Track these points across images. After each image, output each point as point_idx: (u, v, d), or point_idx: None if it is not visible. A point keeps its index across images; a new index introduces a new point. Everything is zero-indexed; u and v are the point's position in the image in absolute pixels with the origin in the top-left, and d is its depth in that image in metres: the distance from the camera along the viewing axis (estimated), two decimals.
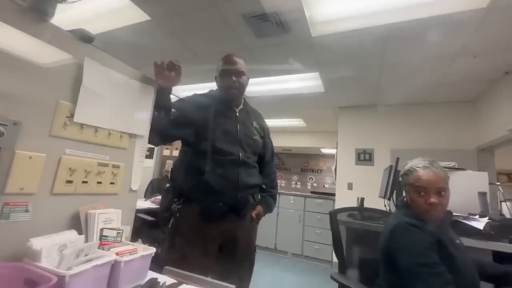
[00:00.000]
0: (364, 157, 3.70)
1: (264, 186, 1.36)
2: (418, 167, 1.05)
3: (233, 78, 1.25)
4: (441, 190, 1.00)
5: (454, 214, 1.56)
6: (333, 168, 4.39)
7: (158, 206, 2.85)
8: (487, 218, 1.55)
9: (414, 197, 1.04)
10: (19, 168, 0.65)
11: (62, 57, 0.76)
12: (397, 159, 1.86)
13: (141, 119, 0.99)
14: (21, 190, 0.66)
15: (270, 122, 5.14)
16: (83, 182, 0.80)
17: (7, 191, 0.63)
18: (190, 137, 1.22)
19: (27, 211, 0.67)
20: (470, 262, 1.02)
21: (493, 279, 1.12)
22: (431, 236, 0.97)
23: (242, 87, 1.30)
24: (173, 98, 1.19)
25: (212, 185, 1.14)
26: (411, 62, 2.50)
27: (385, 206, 2.05)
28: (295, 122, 5.09)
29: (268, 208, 1.36)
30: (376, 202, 2.15)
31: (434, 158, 2.28)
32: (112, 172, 0.89)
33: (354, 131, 3.88)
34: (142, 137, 1.00)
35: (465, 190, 1.78)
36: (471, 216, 1.54)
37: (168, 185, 1.33)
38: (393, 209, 1.97)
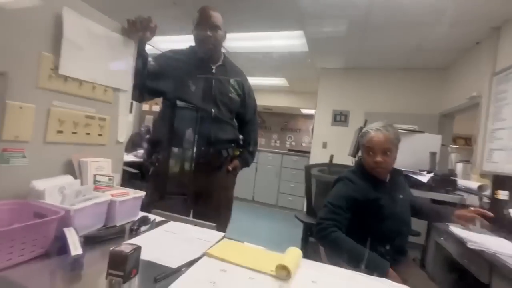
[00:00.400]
0: (340, 118, 3.89)
1: (241, 142, 1.46)
2: (371, 130, 1.16)
3: (208, 32, 1.24)
4: (387, 151, 1.12)
5: (406, 170, 1.82)
6: (310, 128, 4.60)
7: (141, 160, 2.93)
8: (433, 174, 1.82)
9: (365, 157, 1.18)
10: (12, 118, 0.69)
11: (39, 5, 0.74)
12: (365, 121, 2.03)
13: (123, 73, 1.02)
14: (16, 138, 0.71)
15: (252, 80, 5.07)
16: (73, 132, 0.86)
17: (4, 138, 0.69)
18: (167, 92, 1.26)
19: (24, 157, 0.74)
20: (402, 213, 1.17)
21: (426, 217, 1.37)
22: (360, 192, 1.12)
23: (217, 42, 1.30)
24: (151, 50, 1.19)
25: (186, 140, 1.23)
26: (393, 26, 2.53)
27: (352, 163, 2.29)
28: (278, 81, 5.08)
29: (245, 163, 1.47)
30: (347, 159, 2.38)
31: (400, 121, 2.49)
32: (99, 124, 0.95)
33: (333, 93, 3.99)
34: (125, 91, 1.04)
35: (419, 150, 2.04)
36: (420, 172, 1.80)
37: (148, 136, 1.41)
38: None
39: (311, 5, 2.28)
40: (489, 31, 2.36)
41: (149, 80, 1.18)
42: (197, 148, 1.27)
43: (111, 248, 0.48)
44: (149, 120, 5.27)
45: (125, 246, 0.51)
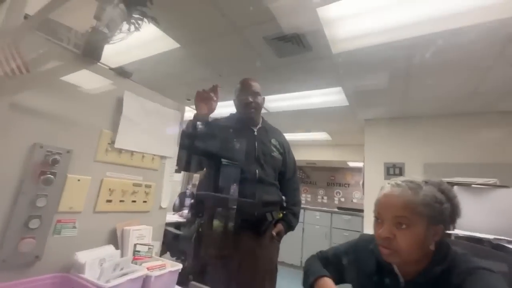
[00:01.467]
0: (394, 171, 3.53)
1: (285, 204, 1.38)
2: (387, 184, 0.76)
3: (250, 98, 1.34)
4: (401, 221, 0.67)
5: (498, 237, 1.43)
6: (361, 182, 4.23)
7: (185, 220, 2.96)
8: None
9: (374, 225, 0.77)
10: (69, 190, 0.75)
11: (105, 91, 0.88)
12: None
13: (169, 141, 1.09)
14: (70, 209, 0.76)
15: (294, 136, 5.19)
16: (120, 201, 0.89)
17: (60, 210, 0.73)
18: (212, 155, 1.31)
19: (74, 227, 0.77)
20: None
21: None
22: (361, 267, 0.81)
23: (258, 106, 1.39)
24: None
25: (230, 202, 1.20)
26: (439, 73, 2.40)
27: None
28: (320, 135, 5.04)
29: (289, 226, 1.37)
30: None
31: (473, 173, 2.12)
32: (145, 191, 0.98)
33: (382, 144, 3.73)
34: (170, 158, 1.09)
35: (509, 210, 1.63)
36: None
37: (192, 200, 1.42)
38: None
39: (347, 63, 2.35)
40: None
41: (196, 146, 1.24)
42: (241, 211, 1.22)
43: None
44: (196, 178, 5.54)
45: None
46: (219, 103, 3.97)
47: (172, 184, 1.12)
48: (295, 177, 1.50)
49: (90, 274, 0.69)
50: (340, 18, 1.82)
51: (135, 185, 0.94)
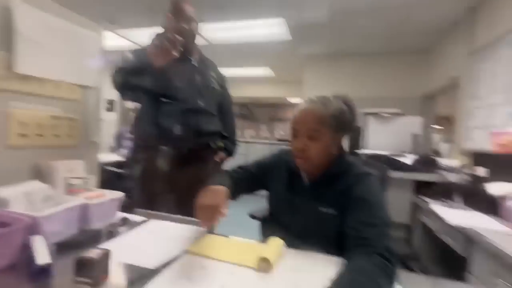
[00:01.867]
0: None
1: (224, 133, 1.44)
2: (302, 102, 0.81)
3: (184, 25, 1.21)
4: (312, 134, 0.74)
5: (391, 154, 1.84)
6: None
7: (125, 159, 2.86)
8: (416, 155, 1.86)
9: (291, 139, 0.82)
10: None
11: None
12: None
13: (89, 69, 0.96)
14: None
15: (237, 71, 5.05)
16: (38, 135, 0.81)
17: None
18: (150, 85, 1.21)
19: None
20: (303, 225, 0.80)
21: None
22: (274, 170, 0.89)
23: (192, 35, 1.28)
24: (127, 46, 1.14)
25: (174, 132, 1.20)
26: (371, 10, 2.51)
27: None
28: (263, 71, 5.02)
29: (229, 153, 1.48)
30: None
31: (385, 105, 2.51)
32: (69, 124, 0.90)
33: (318, 80, 3.98)
34: (93, 88, 0.99)
35: (402, 133, 2.07)
36: (403, 154, 1.83)
37: (131, 135, 1.35)
38: None
39: None
40: (466, 11, 2.38)
41: (131, 76, 1.12)
42: (185, 142, 1.24)
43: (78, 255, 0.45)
44: (132, 117, 5.14)
45: (93, 251, 0.49)
46: (146, 29, 3.43)
47: (107, 124, 1.04)
48: (231, 109, 1.55)
49: (16, 209, 0.66)
50: None
51: (53, 118, 0.85)
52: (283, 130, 6.44)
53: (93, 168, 1.01)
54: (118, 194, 0.88)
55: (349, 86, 3.79)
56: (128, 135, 3.52)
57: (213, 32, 3.23)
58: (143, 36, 3.31)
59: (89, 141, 0.98)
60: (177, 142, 1.22)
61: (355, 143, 2.06)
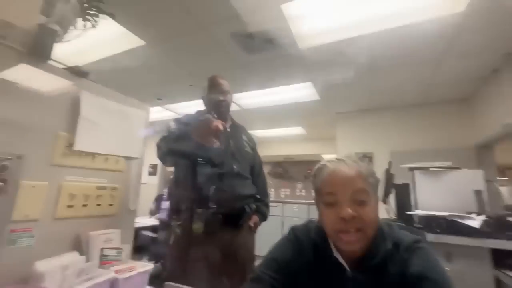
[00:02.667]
0: (365, 161, 3.71)
1: (258, 196, 1.42)
2: (327, 162, 0.66)
3: (220, 97, 1.34)
4: (360, 196, 0.60)
5: (452, 214, 1.58)
6: None
7: (164, 222, 2.90)
8: (484, 216, 1.56)
9: (324, 214, 0.64)
10: (24, 197, 0.71)
11: (59, 92, 0.84)
12: (389, 162, 1.89)
13: (135, 142, 1.06)
14: (26, 217, 0.72)
15: (269, 132, 5.25)
16: (83, 205, 0.86)
17: (14, 219, 0.69)
18: (188, 155, 1.29)
19: (31, 236, 0.73)
20: None
21: None
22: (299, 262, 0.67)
23: (228, 105, 1.40)
24: (171, 116, 1.28)
25: (210, 196, 1.20)
26: (399, 66, 2.56)
27: (389, 214, 2.04)
28: (295, 130, 5.15)
29: (263, 216, 1.43)
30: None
31: (431, 158, 2.29)
32: (111, 194, 0.95)
33: (352, 136, 3.91)
34: (137, 159, 1.07)
35: (460, 190, 1.80)
36: (467, 216, 1.55)
37: (167, 201, 1.39)
38: (393, 214, 1.98)
39: (314, 58, 2.42)
40: (503, 58, 2.29)
41: (173, 144, 1.21)
42: (220, 206, 1.23)
43: None
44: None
45: None
46: (191, 103, 3.89)
47: (148, 187, 1.09)
48: (262, 171, 1.57)
49: (50, 283, 0.66)
50: (304, 15, 1.87)
51: (99, 188, 0.91)
52: None
53: (128, 236, 1.01)
54: (147, 267, 0.85)
55: (386, 140, 3.63)
56: (167, 198, 3.65)
57: (245, 99, 3.53)
58: (185, 107, 3.74)
59: (127, 209, 1.01)
60: (212, 206, 1.22)
61: (405, 203, 1.83)
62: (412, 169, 2.09)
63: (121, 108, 1.00)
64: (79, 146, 0.84)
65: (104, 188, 0.93)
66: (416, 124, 3.52)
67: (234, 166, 1.28)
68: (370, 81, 2.94)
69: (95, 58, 2.42)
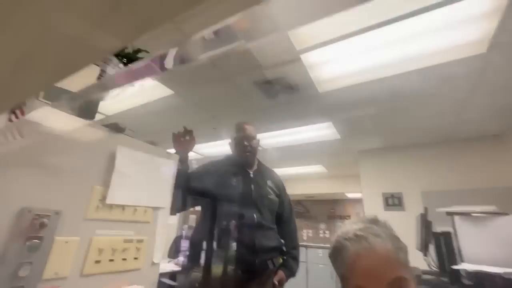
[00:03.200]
0: (393, 201, 3.48)
1: (284, 248, 1.33)
2: (345, 240, 0.58)
3: (245, 142, 1.36)
4: (398, 285, 0.51)
5: (507, 270, 1.37)
6: (361, 215, 4.13)
7: (181, 268, 2.78)
8: None
9: None
10: (56, 254, 0.72)
11: (97, 148, 0.89)
12: (425, 208, 1.75)
13: (163, 192, 1.08)
14: (56, 275, 0.72)
15: (290, 170, 5.18)
16: (110, 260, 0.85)
17: (44, 277, 0.69)
18: (206, 200, 1.29)
19: None
20: None
21: None
22: None
23: (253, 150, 1.40)
24: (194, 156, 1.32)
25: (228, 252, 1.15)
26: (423, 105, 2.52)
27: (429, 264, 1.82)
28: (316, 168, 5.04)
29: (291, 272, 1.30)
30: (413, 252, 1.95)
31: (470, 199, 2.09)
32: (136, 247, 0.94)
33: (377, 174, 3.74)
34: (164, 208, 1.07)
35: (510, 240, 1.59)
36: None
37: (187, 252, 1.35)
38: (435, 265, 1.77)
39: (333, 101, 2.46)
40: None
41: (191, 188, 1.24)
42: (240, 261, 1.16)
43: None
44: (192, 220, 5.33)
45: None
46: (214, 143, 3.99)
47: (167, 228, 1.08)
48: (293, 218, 1.46)
49: None
50: (323, 61, 1.95)
51: (126, 241, 0.90)
52: None
53: None
54: None
55: (416, 179, 3.43)
56: (186, 241, 3.56)
57: (264, 139, 3.58)
58: (208, 148, 3.84)
59: (152, 263, 0.99)
60: (232, 262, 1.16)
61: (448, 255, 1.63)
62: (450, 213, 1.91)
63: (150, 159, 1.04)
64: (112, 199, 0.86)
65: (130, 241, 0.92)
66: (446, 161, 3.32)
67: (255, 216, 1.23)
68: (393, 120, 2.89)
69: (126, 107, 2.63)
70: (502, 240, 1.62)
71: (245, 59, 1.91)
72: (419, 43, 1.75)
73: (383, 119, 2.88)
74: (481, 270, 1.40)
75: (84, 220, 0.81)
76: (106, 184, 0.87)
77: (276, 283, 1.22)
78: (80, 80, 0.85)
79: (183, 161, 1.20)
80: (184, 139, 1.20)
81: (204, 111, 2.86)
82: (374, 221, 0.62)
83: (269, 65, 1.96)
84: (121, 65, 0.95)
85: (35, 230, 0.67)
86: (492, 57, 1.81)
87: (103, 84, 0.87)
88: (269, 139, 3.58)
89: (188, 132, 1.21)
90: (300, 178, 5.68)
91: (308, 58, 1.91)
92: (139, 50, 1.09)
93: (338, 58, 1.92)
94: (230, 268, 1.18)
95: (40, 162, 0.74)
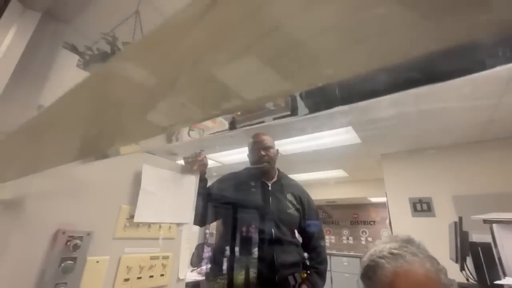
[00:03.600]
0: (422, 207, 3.30)
1: (307, 262, 1.29)
2: (382, 260, 0.56)
3: (262, 152, 1.35)
4: None
5: None
6: (387, 221, 3.96)
7: (204, 278, 2.80)
8: None
9: None
10: (88, 274, 0.74)
11: (125, 167, 0.92)
12: (460, 218, 1.63)
13: (186, 207, 1.09)
14: None
15: (310, 176, 5.09)
16: (138, 278, 0.87)
17: None
18: (227, 212, 1.29)
19: None
20: None
21: None
22: None
23: (271, 159, 1.39)
24: (214, 164, 1.33)
25: (247, 268, 1.13)
26: (450, 107, 2.39)
27: (464, 276, 1.69)
28: (336, 173, 4.92)
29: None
30: (447, 262, 1.83)
31: (508, 204, 1.92)
32: (162, 263, 0.95)
33: (403, 178, 3.57)
34: (187, 224, 1.08)
35: None
36: None
37: (209, 265, 1.35)
38: (473, 279, 1.64)
39: (355, 110, 2.39)
40: None
41: (211, 201, 1.26)
42: (261, 276, 1.15)
43: None
44: (213, 226, 5.37)
45: None
46: (232, 151, 3.99)
47: (191, 243, 1.09)
48: (319, 232, 1.38)
49: None
50: None
51: (152, 258, 0.92)
52: (370, 235, 5.53)
53: None
54: None
55: (445, 183, 3.23)
56: (208, 248, 3.59)
57: (284, 146, 3.55)
58: (225, 156, 3.88)
59: (177, 279, 1.00)
60: (254, 270, 1.15)
61: (488, 268, 1.51)
62: (488, 221, 1.77)
63: (174, 176, 1.06)
64: (139, 217, 0.89)
65: (157, 257, 0.94)
66: (479, 163, 3.10)
67: (273, 231, 1.20)
68: (416, 122, 2.76)
69: None
70: None
71: None
72: None
73: (405, 121, 2.75)
74: None
75: (113, 239, 0.83)
76: (132, 203, 0.90)
77: None
78: None
79: (201, 178, 1.21)
80: (193, 161, 1.15)
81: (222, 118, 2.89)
82: (409, 241, 0.60)
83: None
84: None
85: (69, 252, 0.70)
86: None
87: None
88: (288, 146, 3.54)
89: (198, 154, 1.16)
90: (320, 183, 5.56)
91: None
92: None
93: None
94: (253, 276, 1.17)
95: (71, 184, 0.77)
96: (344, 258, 4.02)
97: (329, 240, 5.80)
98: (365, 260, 0.61)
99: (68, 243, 0.70)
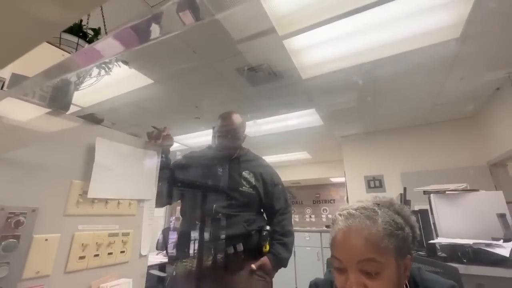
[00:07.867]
0: (375, 184, 3.63)
1: (266, 229, 1.32)
2: (339, 215, 0.62)
3: (223, 130, 1.34)
4: (368, 267, 0.53)
5: (476, 241, 1.49)
6: (345, 198, 4.29)
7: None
8: None
9: (333, 272, 0.60)
10: (35, 252, 0.69)
11: (74, 140, 0.85)
12: (404, 188, 1.83)
13: (147, 184, 1.05)
14: (37, 274, 0.69)
15: (275, 158, 5.23)
16: (95, 255, 0.83)
17: (24, 277, 0.66)
18: (189, 191, 1.30)
19: None
20: None
21: None
22: None
23: (236, 141, 1.36)
24: (179, 146, 1.31)
25: (201, 243, 1.17)
26: (402, 90, 2.60)
27: None
28: (300, 155, 5.13)
29: (278, 259, 1.26)
30: None
31: (444, 179, 2.22)
32: (122, 240, 0.92)
33: (360, 159, 3.87)
34: (149, 200, 1.05)
35: (481, 214, 1.72)
36: (495, 242, 1.46)
37: (176, 243, 1.36)
38: None
39: (316, 87, 2.48)
40: (504, 78, 2.32)
41: (175, 180, 1.25)
42: (214, 250, 1.20)
43: None
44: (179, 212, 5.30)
45: None
46: (198, 133, 3.91)
47: (154, 220, 1.07)
48: (284, 207, 1.38)
49: None
50: (305, 47, 1.95)
51: (111, 235, 0.88)
52: (330, 213, 5.96)
53: (141, 283, 0.96)
54: None
55: (395, 162, 3.58)
56: (174, 235, 3.55)
57: (249, 128, 3.57)
58: (191, 138, 3.78)
59: (139, 255, 0.97)
60: (205, 252, 1.20)
61: (426, 231, 1.74)
62: (427, 192, 2.02)
63: (133, 151, 1.01)
64: (93, 193, 0.83)
65: (116, 235, 0.90)
66: (424, 144, 3.49)
67: (220, 205, 1.23)
68: (373, 105, 2.97)
69: (106, 97, 2.51)
70: (471, 215, 1.75)
71: (226, 45, 1.86)
72: (395, 29, 1.78)
73: (363, 104, 2.95)
74: (453, 243, 1.51)
75: (65, 216, 0.77)
76: (86, 178, 0.84)
77: (254, 267, 1.18)
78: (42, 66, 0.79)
79: (165, 154, 1.17)
80: (158, 136, 1.09)
81: (187, 101, 2.78)
82: (383, 204, 0.61)
83: (251, 50, 1.92)
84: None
85: (10, 229, 0.63)
86: (465, 41, 1.87)
87: (63, 65, 0.81)
88: (254, 127, 3.57)
89: (161, 130, 1.09)
90: (286, 165, 5.76)
91: (291, 44, 1.89)
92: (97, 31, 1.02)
93: (320, 43, 1.92)
94: (209, 257, 1.22)
95: (11, 158, 0.69)
96: (306, 234, 4.30)
97: (293, 219, 6.12)
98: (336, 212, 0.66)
99: (9, 220, 0.63)
